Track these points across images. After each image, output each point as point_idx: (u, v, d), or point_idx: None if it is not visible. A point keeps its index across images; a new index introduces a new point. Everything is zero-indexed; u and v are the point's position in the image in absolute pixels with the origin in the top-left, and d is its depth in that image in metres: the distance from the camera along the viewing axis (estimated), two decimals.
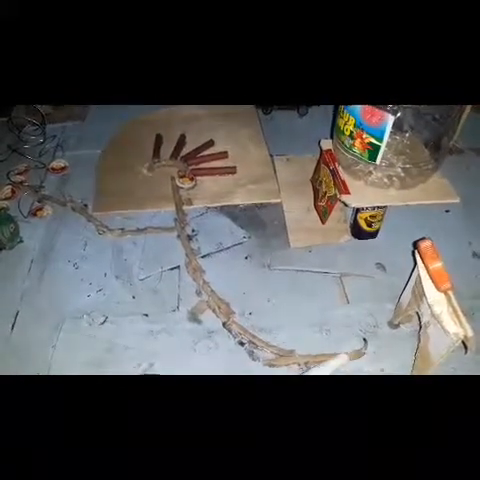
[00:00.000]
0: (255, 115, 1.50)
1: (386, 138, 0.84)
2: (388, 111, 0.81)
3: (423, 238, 0.72)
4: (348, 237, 1.08)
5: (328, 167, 0.99)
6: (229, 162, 1.31)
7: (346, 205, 0.93)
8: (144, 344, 0.88)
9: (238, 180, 1.26)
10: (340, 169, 0.98)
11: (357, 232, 1.07)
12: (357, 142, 0.88)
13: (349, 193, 0.92)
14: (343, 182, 0.94)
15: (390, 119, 0.81)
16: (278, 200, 1.19)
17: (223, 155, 1.32)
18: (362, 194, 0.93)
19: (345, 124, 0.89)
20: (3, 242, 1.03)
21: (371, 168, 0.93)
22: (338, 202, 0.94)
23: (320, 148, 1.08)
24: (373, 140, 0.85)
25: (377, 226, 1.05)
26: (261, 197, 1.21)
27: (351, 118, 0.87)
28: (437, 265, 0.69)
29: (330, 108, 1.45)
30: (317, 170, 1.08)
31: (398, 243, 1.06)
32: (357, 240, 1.08)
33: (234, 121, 1.47)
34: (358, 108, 0.84)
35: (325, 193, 1.00)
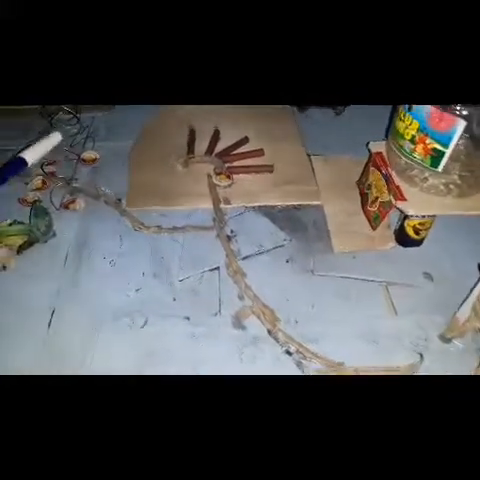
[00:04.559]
0: (290, 112, 1.45)
1: (453, 144, 0.80)
2: (459, 116, 0.77)
3: None
4: (392, 244, 1.05)
5: (380, 171, 0.95)
6: (265, 160, 1.26)
7: (402, 212, 0.89)
8: (187, 349, 0.85)
9: (275, 179, 1.22)
10: (393, 174, 0.94)
11: (403, 239, 1.03)
12: (419, 147, 0.84)
13: (405, 200, 0.88)
14: (398, 188, 0.90)
15: (461, 124, 0.77)
16: (318, 202, 1.15)
17: (259, 153, 1.28)
18: (419, 201, 0.90)
19: (406, 128, 0.85)
20: (37, 236, 0.99)
21: (427, 174, 0.90)
22: (393, 208, 0.90)
23: (368, 150, 1.04)
24: (438, 146, 0.81)
25: (424, 234, 1.02)
26: (300, 198, 1.17)
27: (414, 122, 0.83)
28: None
29: (367, 107, 1.40)
30: (365, 173, 1.04)
31: (445, 253, 1.02)
32: (401, 247, 1.05)
33: (268, 117, 1.42)
34: (424, 112, 0.80)
35: (376, 198, 0.96)
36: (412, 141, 0.85)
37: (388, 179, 0.92)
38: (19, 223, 1.00)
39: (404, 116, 0.85)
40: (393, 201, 0.89)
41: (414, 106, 0.83)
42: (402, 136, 0.87)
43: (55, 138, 0.93)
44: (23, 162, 0.84)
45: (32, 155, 0.88)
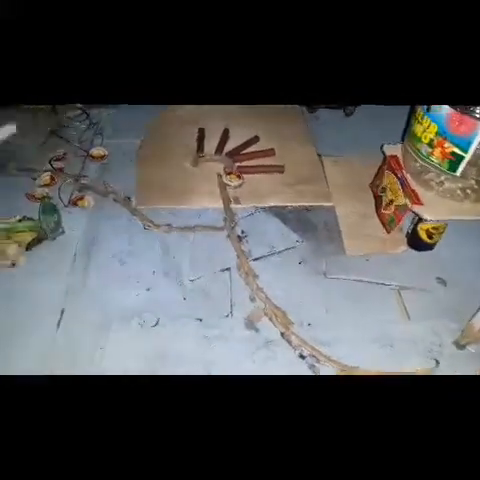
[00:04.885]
0: (299, 112, 1.44)
1: (473, 149, 0.79)
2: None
3: None
4: (404, 247, 1.04)
5: (395, 174, 0.94)
6: (275, 160, 1.25)
7: (418, 216, 0.88)
8: (199, 351, 0.84)
9: (286, 180, 1.21)
10: (408, 177, 0.93)
11: (415, 243, 1.02)
12: (437, 151, 0.83)
13: (422, 204, 0.87)
14: (414, 192, 0.89)
15: None
16: (330, 203, 1.14)
17: (270, 152, 1.26)
18: (435, 206, 0.88)
19: (424, 131, 0.84)
20: (46, 233, 0.98)
21: (443, 178, 0.89)
22: (408, 212, 0.89)
23: (383, 153, 1.02)
24: (456, 150, 0.80)
25: (437, 238, 1.00)
26: (311, 199, 1.15)
27: (433, 125, 0.82)
28: None
29: (377, 108, 1.38)
30: (379, 176, 1.03)
31: (458, 257, 1.01)
32: (414, 251, 1.03)
33: (277, 117, 1.40)
34: (443, 115, 0.79)
35: (391, 201, 0.95)
36: (430, 145, 0.84)
37: (403, 182, 0.91)
38: (28, 219, 0.98)
39: (422, 119, 0.84)
40: (409, 205, 0.88)
41: (432, 107, 0.82)
42: (419, 139, 0.86)
43: (8, 130, 0.81)
44: None
45: None
